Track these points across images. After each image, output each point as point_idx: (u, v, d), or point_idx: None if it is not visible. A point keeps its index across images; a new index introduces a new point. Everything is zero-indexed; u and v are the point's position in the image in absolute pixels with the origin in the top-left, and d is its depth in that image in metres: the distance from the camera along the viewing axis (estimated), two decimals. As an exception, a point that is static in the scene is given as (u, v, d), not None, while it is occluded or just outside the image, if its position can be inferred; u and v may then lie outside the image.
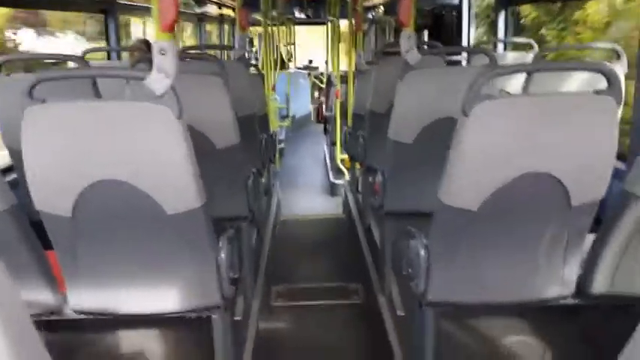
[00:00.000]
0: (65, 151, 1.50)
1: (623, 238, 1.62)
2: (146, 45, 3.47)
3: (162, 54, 1.43)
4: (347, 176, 5.82)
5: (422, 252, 1.73)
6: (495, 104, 1.49)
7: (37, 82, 1.49)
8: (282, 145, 7.99)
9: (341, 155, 6.03)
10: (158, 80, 1.44)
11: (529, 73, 2.46)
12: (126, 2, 4.29)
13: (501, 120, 1.51)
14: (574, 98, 1.54)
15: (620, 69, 2.40)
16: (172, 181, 1.54)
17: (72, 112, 1.49)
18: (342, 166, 6.12)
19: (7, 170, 2.60)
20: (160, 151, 1.51)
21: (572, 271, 1.73)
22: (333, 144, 6.54)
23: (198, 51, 3.88)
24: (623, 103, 1.54)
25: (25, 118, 1.47)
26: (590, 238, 1.71)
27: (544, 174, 1.55)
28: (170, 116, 1.46)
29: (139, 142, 1.50)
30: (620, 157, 2.09)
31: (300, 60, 12.64)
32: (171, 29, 1.43)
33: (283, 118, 8.87)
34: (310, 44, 13.49)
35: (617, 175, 1.67)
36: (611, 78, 1.49)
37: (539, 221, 1.64)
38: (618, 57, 2.50)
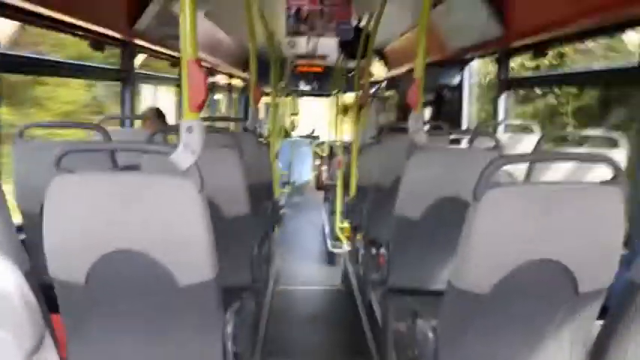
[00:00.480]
0: (86, 221, 1.53)
1: (630, 329, 1.62)
2: (158, 115, 3.61)
3: (190, 132, 1.49)
4: (345, 246, 5.81)
5: (430, 334, 1.72)
6: (506, 191, 1.55)
7: (66, 152, 1.54)
8: (283, 211, 8.02)
9: (340, 224, 6.05)
10: (184, 156, 1.50)
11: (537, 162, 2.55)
12: (143, 72, 4.47)
13: (511, 207, 1.55)
14: (582, 188, 1.60)
15: (623, 157, 2.48)
16: (190, 252, 1.56)
17: (98, 182, 1.54)
18: (341, 235, 6.12)
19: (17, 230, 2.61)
20: (181, 224, 1.54)
21: (579, 359, 1.72)
22: (332, 212, 6.57)
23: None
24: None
25: (51, 185, 1.51)
26: (598, 324, 1.71)
27: (552, 261, 1.58)
28: (193, 190, 1.51)
29: (160, 214, 1.53)
30: (625, 243, 2.13)
31: (302, 128, 12.94)
32: (199, 109, 1.51)
33: (284, 184, 8.95)
34: (312, 114, 13.84)
35: (623, 261, 1.69)
36: (617, 169, 1.56)
37: (547, 308, 1.65)
38: (618, 145, 2.60)
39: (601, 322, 1.70)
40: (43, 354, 0.63)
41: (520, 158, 1.76)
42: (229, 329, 1.70)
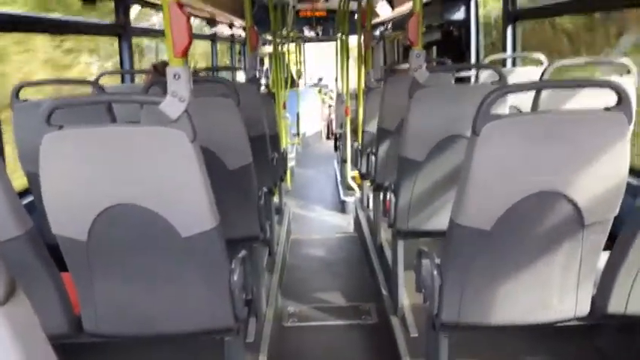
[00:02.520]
0: (82, 176, 1.53)
1: (637, 257, 1.60)
2: (162, 67, 3.54)
3: (177, 79, 1.45)
4: (357, 193, 5.83)
5: (434, 272, 1.72)
6: (505, 123, 1.50)
7: (55, 108, 1.52)
8: (293, 164, 8.02)
9: (351, 172, 6.05)
10: (172, 105, 1.47)
11: (538, 90, 2.46)
12: (139, 26, 4.38)
13: (512, 138, 1.51)
14: (584, 115, 1.53)
15: (631, 84, 2.39)
16: (187, 203, 1.56)
17: (89, 137, 1.52)
18: (352, 183, 6.13)
19: (24, 193, 2.64)
20: (175, 175, 1.53)
21: (586, 291, 1.71)
22: (343, 161, 6.56)
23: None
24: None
25: (43, 143, 1.50)
26: (605, 256, 1.69)
27: (556, 192, 1.54)
28: (184, 140, 1.48)
29: (154, 166, 1.52)
30: (632, 171, 2.08)
31: (310, 77, 12.76)
32: (184, 54, 1.46)
33: (294, 136, 8.91)
34: (320, 61, 13.60)
35: (630, 190, 1.65)
36: (621, 94, 1.49)
37: (553, 240, 1.62)
38: (629, 71, 2.49)
39: (608, 252, 1.69)
40: (12, 307, 0.62)
41: (520, 87, 1.69)
42: (235, 277, 1.71)
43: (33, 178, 2.47)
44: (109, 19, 3.94)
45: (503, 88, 1.57)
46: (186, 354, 2.38)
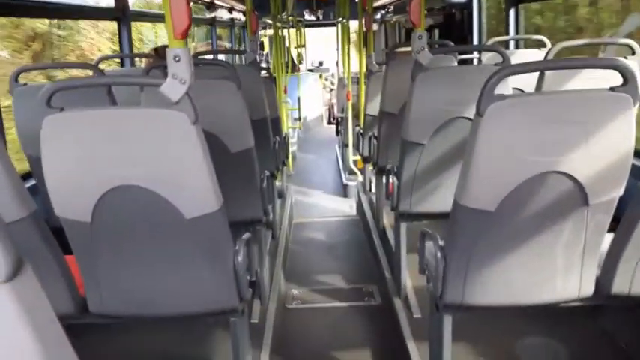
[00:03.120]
0: (84, 158, 1.53)
1: None
2: (161, 50, 3.52)
3: (177, 61, 1.44)
4: (360, 177, 5.83)
5: (438, 254, 1.72)
6: (509, 103, 1.49)
7: (55, 90, 1.51)
8: (295, 148, 8.01)
9: (353, 156, 6.04)
10: (173, 87, 1.45)
11: (543, 71, 2.44)
12: (137, 10, 4.34)
13: (516, 119, 1.50)
14: (589, 95, 1.52)
15: (636, 65, 2.37)
16: (190, 185, 1.56)
17: (90, 119, 1.51)
18: (354, 168, 6.12)
19: (27, 177, 2.64)
20: (177, 157, 1.52)
21: (590, 271, 1.71)
22: (345, 145, 6.55)
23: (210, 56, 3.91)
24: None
25: (43, 126, 1.49)
26: (609, 237, 1.69)
27: (560, 173, 1.54)
28: (186, 122, 1.48)
29: (156, 148, 1.52)
30: (636, 153, 2.07)
31: (311, 61, 12.67)
32: (184, 36, 1.45)
33: (295, 120, 8.89)
34: (321, 45, 13.51)
35: (635, 172, 1.65)
36: (626, 74, 1.48)
37: (557, 221, 1.62)
38: (633, 53, 2.47)
39: (612, 234, 1.69)
40: (20, 283, 0.62)
41: (525, 67, 1.67)
42: (239, 258, 1.72)
43: (35, 161, 2.47)
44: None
45: (507, 68, 1.56)
46: (191, 335, 2.41)
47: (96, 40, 6.16)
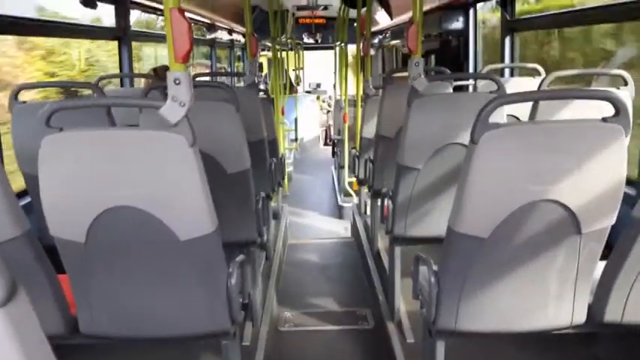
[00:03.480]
0: (81, 179, 1.53)
1: (634, 266, 1.61)
2: (161, 71, 3.55)
3: (177, 84, 1.46)
4: (355, 199, 5.83)
5: (432, 279, 1.73)
6: (504, 132, 1.51)
7: (55, 110, 1.52)
8: (291, 169, 8.03)
9: (349, 178, 6.06)
10: (173, 109, 1.47)
11: (536, 100, 2.48)
12: (139, 30, 4.39)
13: (510, 147, 1.52)
14: (582, 126, 1.55)
15: (628, 95, 2.41)
16: (186, 207, 1.56)
17: (88, 140, 1.52)
18: (350, 189, 6.14)
19: (22, 194, 2.63)
20: (174, 179, 1.53)
21: (583, 299, 1.72)
22: (341, 167, 6.57)
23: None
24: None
25: (42, 146, 1.50)
26: (602, 265, 1.70)
27: (553, 201, 1.55)
28: (184, 144, 1.49)
29: (153, 170, 1.52)
30: (629, 182, 2.09)
31: (309, 83, 12.78)
32: (185, 60, 1.47)
33: (292, 141, 8.92)
34: (318, 67, 13.63)
35: (627, 200, 1.67)
36: (618, 106, 1.51)
37: (550, 249, 1.63)
38: (625, 83, 2.52)
39: (604, 262, 1.70)
40: (14, 307, 0.63)
41: (519, 97, 1.70)
42: (233, 281, 1.72)
43: (31, 179, 2.47)
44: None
45: (502, 97, 1.59)
46: (183, 357, 2.38)
47: (22, 59, 4.52)
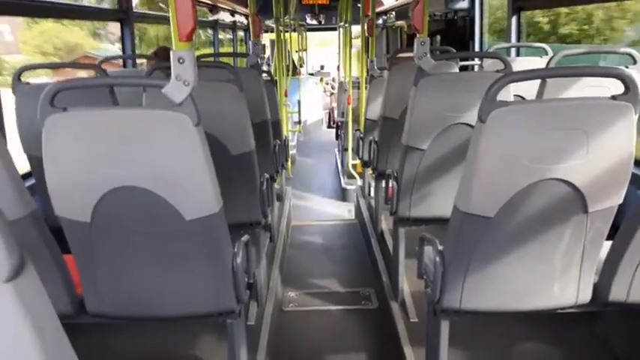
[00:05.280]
0: (85, 158, 1.53)
1: None
2: (163, 52, 3.51)
3: (181, 62, 1.45)
4: (358, 181, 5.83)
5: (437, 258, 1.73)
6: (512, 110, 1.50)
7: (59, 90, 1.51)
8: (294, 151, 8.02)
9: (353, 161, 6.05)
10: (177, 88, 1.46)
11: (544, 79, 2.45)
12: (141, 11, 4.35)
13: (518, 126, 1.51)
14: (590, 103, 1.53)
15: (637, 74, 2.38)
16: (190, 187, 1.56)
17: (92, 119, 1.52)
18: (353, 172, 6.13)
19: (26, 176, 2.64)
20: (178, 158, 1.53)
21: (589, 278, 1.72)
22: (344, 149, 6.56)
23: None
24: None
25: (46, 125, 1.49)
26: (608, 244, 1.70)
27: (560, 180, 1.54)
28: (188, 124, 1.48)
29: (158, 149, 1.52)
30: (638, 162, 2.08)
31: (312, 65, 12.70)
32: (189, 38, 1.45)
33: (295, 123, 8.90)
34: (322, 48, 13.54)
35: (635, 181, 1.65)
36: (628, 83, 1.48)
37: (556, 228, 1.63)
38: (634, 62, 2.48)
39: (610, 242, 1.69)
40: (23, 282, 0.63)
41: (527, 74, 1.68)
42: (238, 260, 1.72)
43: (35, 161, 2.47)
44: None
45: (510, 75, 1.57)
46: (188, 336, 2.40)
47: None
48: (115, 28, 4.16)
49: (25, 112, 2.39)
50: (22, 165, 2.61)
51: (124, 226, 1.64)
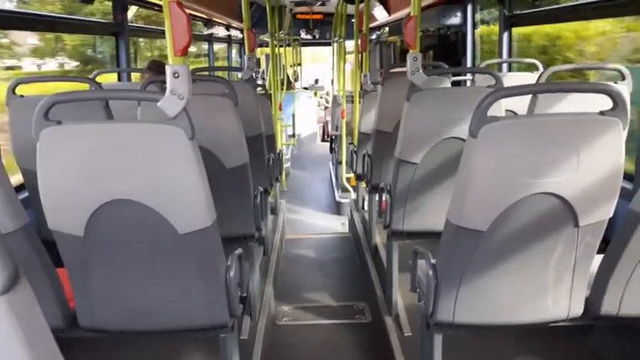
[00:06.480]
0: (79, 172, 1.53)
1: (631, 259, 1.62)
2: (155, 66, 3.53)
3: (176, 77, 1.46)
4: (352, 195, 5.84)
5: (430, 272, 1.73)
6: (502, 126, 1.52)
7: (54, 103, 1.52)
8: (288, 165, 8.03)
9: (346, 174, 6.06)
10: (171, 102, 1.47)
11: (535, 94, 2.49)
12: (136, 25, 4.37)
13: (508, 141, 1.52)
14: (580, 119, 1.55)
15: (626, 89, 2.42)
16: (184, 200, 1.56)
17: (87, 133, 1.52)
18: (347, 185, 6.14)
19: (19, 189, 2.63)
20: (173, 172, 1.53)
21: (580, 292, 1.73)
22: (338, 163, 6.58)
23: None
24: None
25: (41, 138, 1.50)
26: (599, 258, 1.71)
27: (551, 194, 1.56)
28: (183, 137, 1.49)
29: (152, 163, 1.52)
30: (627, 176, 2.10)
31: (306, 79, 12.78)
32: (184, 53, 1.47)
33: (289, 137, 8.93)
34: (316, 63, 13.62)
35: (625, 194, 1.67)
36: (616, 99, 1.51)
37: (548, 241, 1.64)
38: (623, 78, 2.52)
39: (601, 255, 1.71)
40: (16, 295, 0.63)
41: (517, 90, 1.70)
42: (231, 274, 1.72)
43: (28, 174, 2.47)
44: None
45: (500, 90, 1.59)
46: (181, 350, 2.38)
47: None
48: (21, 37, 3.97)
49: (20, 125, 2.39)
50: (16, 178, 2.61)
51: (117, 239, 1.64)
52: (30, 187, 2.50)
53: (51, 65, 4.61)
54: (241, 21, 4.43)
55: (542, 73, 2.58)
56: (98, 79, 3.10)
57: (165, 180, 1.54)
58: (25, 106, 2.34)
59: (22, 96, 2.44)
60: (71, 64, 4.99)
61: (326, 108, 11.88)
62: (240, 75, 3.42)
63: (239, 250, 1.85)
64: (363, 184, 4.68)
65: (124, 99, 2.25)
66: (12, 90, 2.40)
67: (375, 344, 2.91)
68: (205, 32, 6.86)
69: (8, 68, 3.99)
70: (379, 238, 3.87)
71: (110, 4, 3.82)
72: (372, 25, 7.97)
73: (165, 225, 1.57)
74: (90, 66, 4.85)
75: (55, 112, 1.53)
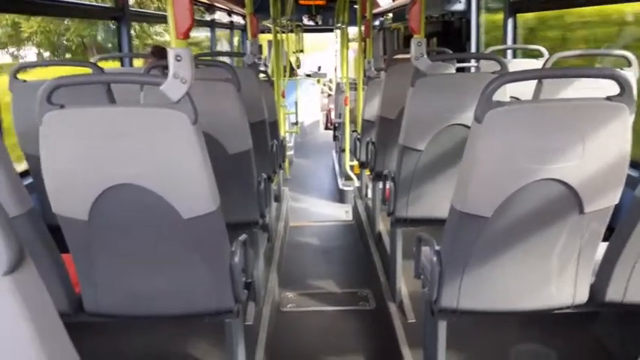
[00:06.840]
0: (83, 156, 1.52)
1: (636, 246, 1.62)
2: (158, 51, 3.51)
3: (179, 60, 1.45)
4: (356, 183, 5.84)
5: (434, 258, 1.73)
6: (508, 111, 1.50)
7: (56, 87, 1.51)
8: (292, 153, 8.02)
9: (350, 162, 6.05)
10: (174, 86, 1.46)
11: (540, 80, 2.46)
12: (137, 10, 4.35)
13: (514, 126, 1.51)
14: (586, 104, 1.54)
15: (632, 76, 2.39)
16: (188, 185, 1.56)
17: (90, 117, 1.52)
18: (351, 173, 6.13)
19: (23, 174, 2.63)
20: (176, 156, 1.52)
21: (585, 279, 1.72)
22: (342, 150, 6.56)
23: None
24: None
25: (44, 123, 1.49)
26: (604, 245, 1.71)
27: (557, 180, 1.55)
28: (186, 122, 1.48)
29: (155, 147, 1.52)
30: (633, 164, 2.09)
31: (310, 66, 12.72)
32: (186, 36, 1.45)
33: (292, 124, 8.90)
34: (319, 50, 13.56)
35: (630, 182, 1.66)
36: (623, 84, 1.49)
37: (553, 228, 1.63)
38: (629, 64, 2.50)
39: (606, 243, 1.70)
40: (22, 275, 0.63)
41: (523, 75, 1.68)
42: (236, 260, 1.72)
43: (32, 159, 2.47)
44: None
45: (506, 75, 1.57)
46: (186, 335, 2.40)
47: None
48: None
49: (23, 109, 2.39)
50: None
51: (121, 224, 1.64)
52: (34, 172, 2.50)
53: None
54: (243, 7, 4.40)
55: (547, 59, 2.55)
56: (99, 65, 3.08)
57: (169, 164, 1.53)
58: (28, 91, 2.33)
59: (24, 81, 2.43)
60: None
61: (329, 95, 11.83)
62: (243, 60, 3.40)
63: (243, 236, 1.85)
64: (366, 172, 4.67)
65: (127, 82, 2.24)
66: (14, 74, 2.39)
67: (378, 331, 2.92)
68: (207, 18, 6.82)
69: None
70: (383, 225, 3.87)
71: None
72: (375, 11, 7.91)
73: (169, 210, 1.57)
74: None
75: (58, 97, 1.52)
